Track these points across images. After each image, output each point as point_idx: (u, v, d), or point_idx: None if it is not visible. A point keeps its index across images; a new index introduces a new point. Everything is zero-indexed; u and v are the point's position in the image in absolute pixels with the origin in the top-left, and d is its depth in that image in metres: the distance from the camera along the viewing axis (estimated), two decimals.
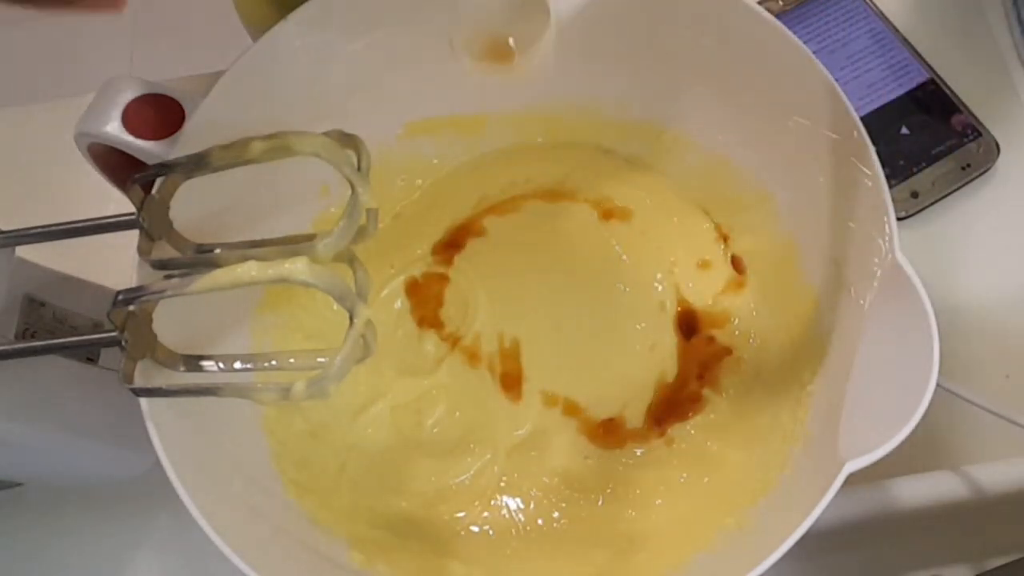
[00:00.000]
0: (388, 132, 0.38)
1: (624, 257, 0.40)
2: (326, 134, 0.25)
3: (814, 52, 0.31)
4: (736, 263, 0.39)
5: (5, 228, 0.28)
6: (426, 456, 0.37)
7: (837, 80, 0.30)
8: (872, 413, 0.27)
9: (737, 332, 0.38)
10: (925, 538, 0.37)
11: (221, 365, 0.27)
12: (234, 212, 0.32)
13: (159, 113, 0.30)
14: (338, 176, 0.24)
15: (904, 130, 0.42)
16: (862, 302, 0.30)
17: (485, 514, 0.36)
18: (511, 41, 0.34)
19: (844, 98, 0.30)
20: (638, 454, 0.37)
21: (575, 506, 0.36)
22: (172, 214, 0.27)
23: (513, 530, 0.36)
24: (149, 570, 0.37)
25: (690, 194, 0.40)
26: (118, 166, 0.31)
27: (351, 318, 0.24)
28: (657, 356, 0.38)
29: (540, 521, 0.36)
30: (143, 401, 0.27)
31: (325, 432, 0.36)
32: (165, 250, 0.27)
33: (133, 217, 0.26)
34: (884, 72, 0.44)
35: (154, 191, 0.27)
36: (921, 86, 0.43)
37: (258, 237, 0.28)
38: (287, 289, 0.36)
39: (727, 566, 0.29)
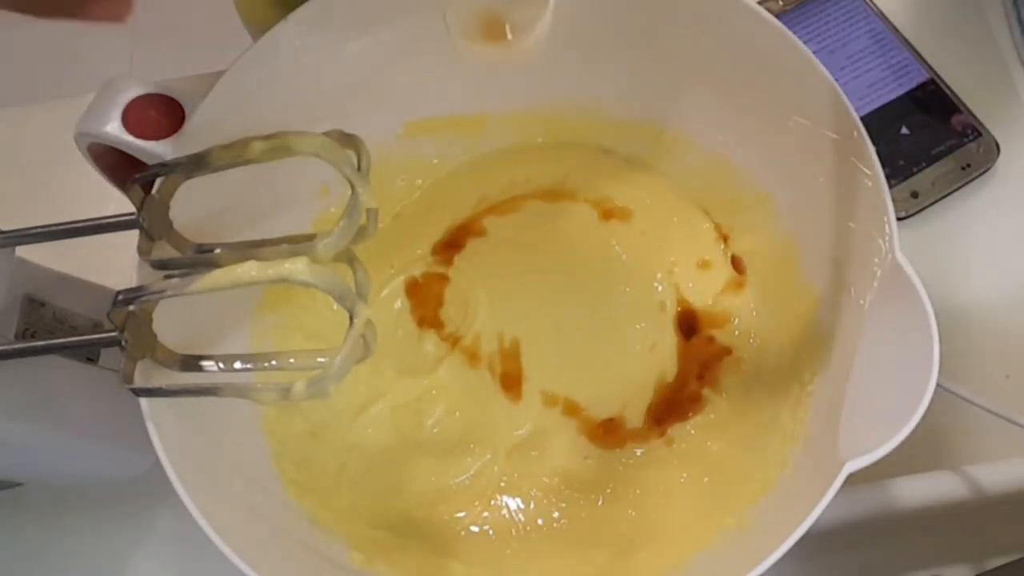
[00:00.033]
0: (388, 132, 0.38)
1: (624, 257, 0.40)
2: (326, 134, 0.25)
3: (814, 52, 0.30)
4: (736, 263, 0.39)
5: (5, 228, 0.28)
6: (426, 456, 0.37)
7: (837, 80, 0.30)
8: (872, 413, 0.27)
9: (737, 332, 0.38)
10: (925, 538, 0.36)
11: (221, 365, 0.27)
12: (234, 212, 0.32)
13: (159, 113, 0.30)
14: (338, 176, 0.24)
15: (904, 130, 0.42)
16: (862, 302, 0.30)
17: (485, 514, 0.36)
18: (507, 27, 0.34)
19: (844, 98, 0.30)
20: (638, 454, 0.37)
21: (575, 506, 0.36)
22: (172, 214, 0.27)
23: (513, 530, 0.36)
24: (149, 570, 0.37)
25: (690, 194, 0.40)
26: (118, 166, 0.31)
27: (351, 318, 0.24)
28: (657, 356, 0.38)
29: (540, 521, 0.36)
30: (143, 401, 0.27)
31: (325, 432, 0.36)
32: (165, 250, 0.27)
33: (133, 217, 0.26)
34: (884, 72, 0.44)
35: (154, 191, 0.27)
36: (921, 86, 0.43)
37: (258, 237, 0.28)
38: (287, 289, 0.36)
39: (727, 566, 0.29)
